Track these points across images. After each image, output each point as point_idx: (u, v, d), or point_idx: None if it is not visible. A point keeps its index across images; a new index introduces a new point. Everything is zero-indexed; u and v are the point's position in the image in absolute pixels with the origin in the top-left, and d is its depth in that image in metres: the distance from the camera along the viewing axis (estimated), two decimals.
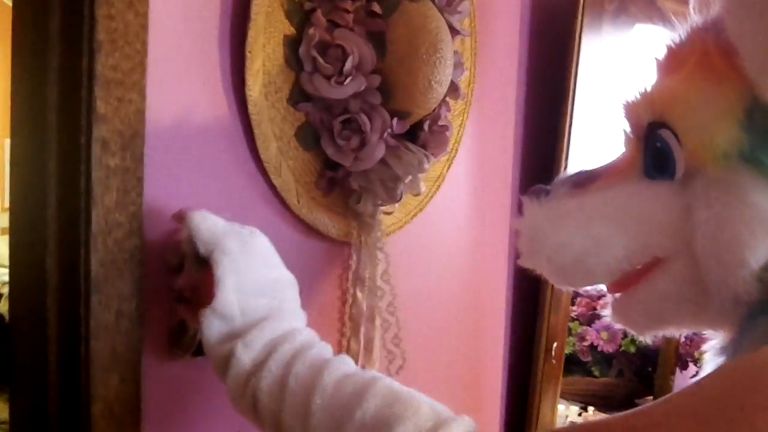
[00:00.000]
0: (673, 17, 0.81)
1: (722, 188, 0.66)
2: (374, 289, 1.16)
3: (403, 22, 1.04)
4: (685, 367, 2.21)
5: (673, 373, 2.22)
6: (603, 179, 0.77)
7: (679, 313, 0.75)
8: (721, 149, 0.66)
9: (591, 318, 2.19)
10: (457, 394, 1.47)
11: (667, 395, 0.67)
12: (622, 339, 2.15)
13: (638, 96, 0.75)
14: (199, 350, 0.91)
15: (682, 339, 2.18)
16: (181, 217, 0.85)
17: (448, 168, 1.30)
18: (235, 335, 0.81)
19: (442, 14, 1.10)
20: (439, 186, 1.28)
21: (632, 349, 2.15)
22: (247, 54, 0.94)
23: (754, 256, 0.64)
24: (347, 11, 1.02)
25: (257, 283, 0.83)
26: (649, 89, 0.75)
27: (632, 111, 0.76)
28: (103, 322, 0.83)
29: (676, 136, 0.69)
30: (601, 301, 2.29)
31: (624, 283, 0.77)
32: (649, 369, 2.27)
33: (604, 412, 2.10)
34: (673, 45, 0.76)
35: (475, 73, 1.30)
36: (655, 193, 0.72)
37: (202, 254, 0.82)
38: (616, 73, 1.56)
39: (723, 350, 0.73)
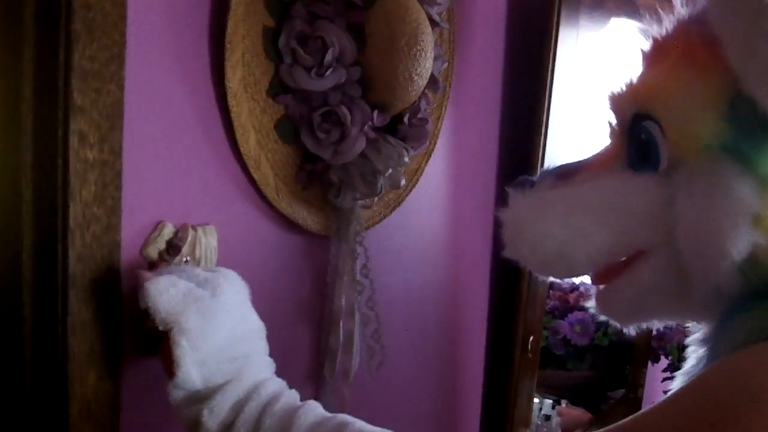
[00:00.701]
0: (651, 11, 0.81)
1: (705, 179, 0.66)
2: (353, 284, 1.15)
3: (383, 14, 1.03)
4: (657, 360, 2.23)
5: (646, 366, 2.24)
6: (587, 171, 0.77)
7: (662, 305, 0.76)
8: (705, 141, 0.66)
9: (564, 311, 2.20)
10: (435, 388, 1.46)
11: (639, 412, 0.68)
12: (595, 332, 2.17)
13: (623, 87, 0.75)
14: None
15: (654, 332, 2.20)
16: (138, 282, 0.82)
17: (427, 161, 1.29)
18: (199, 400, 0.80)
19: (422, 6, 1.09)
20: (417, 179, 1.28)
21: (605, 343, 2.16)
22: (227, 45, 0.92)
23: (736, 248, 0.64)
24: (327, 3, 1.01)
25: (221, 350, 0.81)
26: (634, 81, 0.75)
27: (617, 102, 0.76)
28: (81, 319, 0.81)
29: (660, 127, 0.69)
30: (574, 294, 2.30)
31: (607, 274, 0.77)
32: (621, 362, 2.29)
33: (578, 405, 2.11)
34: (658, 37, 0.76)
35: (453, 65, 1.29)
36: (638, 185, 0.72)
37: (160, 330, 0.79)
38: (593, 66, 1.57)
39: (703, 342, 0.73)
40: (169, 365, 0.78)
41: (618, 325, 0.82)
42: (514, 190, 0.80)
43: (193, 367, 0.78)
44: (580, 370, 2.21)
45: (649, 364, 2.26)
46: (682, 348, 2.13)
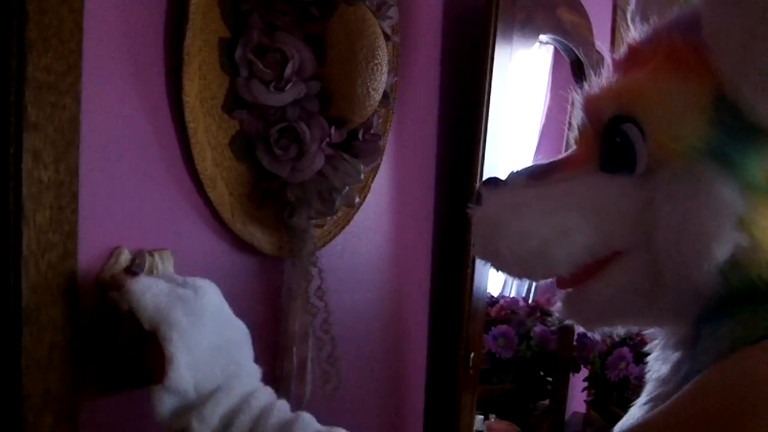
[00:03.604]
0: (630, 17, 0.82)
1: (687, 181, 0.65)
2: (307, 307, 1.10)
3: (341, 26, 0.99)
4: (577, 370, 2.26)
5: (568, 377, 2.26)
6: (559, 171, 0.76)
7: (633, 308, 0.75)
8: (690, 143, 0.66)
9: (487, 325, 2.21)
10: (380, 410, 1.42)
11: (640, 421, 0.66)
12: (519, 345, 2.18)
13: (600, 90, 0.74)
14: (135, 384, 0.83)
15: (575, 342, 2.23)
16: (117, 284, 0.77)
17: (373, 178, 1.25)
18: (188, 408, 0.75)
19: (376, 19, 1.06)
20: (365, 196, 1.24)
21: (528, 354, 2.18)
22: (185, 57, 0.86)
23: (720, 249, 0.64)
24: (285, 13, 0.96)
25: (210, 351, 0.77)
26: (611, 84, 0.74)
27: (594, 104, 0.75)
28: (36, 357, 0.73)
29: (640, 130, 0.69)
30: (495, 308, 2.31)
31: (576, 277, 0.75)
32: (544, 373, 2.30)
33: (504, 419, 2.11)
34: (634, 43, 0.76)
35: (398, 80, 1.26)
36: (614, 186, 0.71)
37: (146, 329, 0.75)
38: (526, 80, 1.57)
39: (678, 345, 0.73)
40: (156, 370, 0.73)
41: (582, 328, 0.81)
42: (486, 188, 0.77)
43: (185, 368, 0.73)
44: (504, 383, 2.22)
45: (571, 374, 2.29)
46: (604, 357, 2.16)
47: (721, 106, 0.65)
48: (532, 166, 0.79)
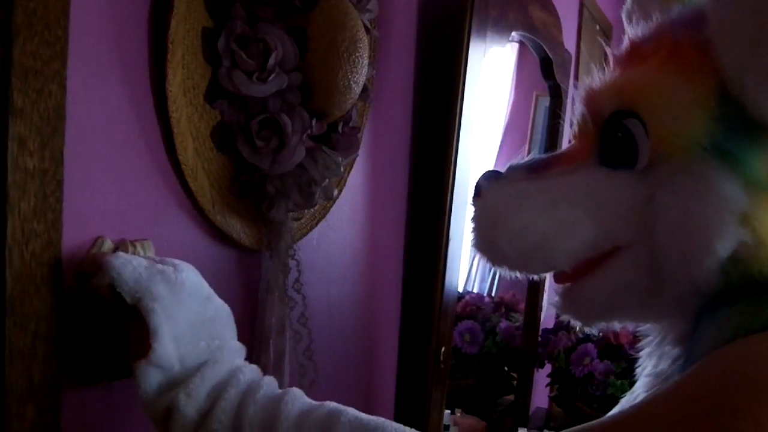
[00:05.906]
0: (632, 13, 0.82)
1: (689, 177, 0.66)
2: (284, 300, 1.10)
3: (323, 18, 0.99)
4: (542, 365, 2.28)
5: (532, 372, 2.28)
6: (559, 165, 0.76)
7: (632, 303, 0.75)
8: (693, 139, 0.66)
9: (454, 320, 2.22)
10: (350, 403, 1.42)
11: (641, 402, 0.67)
12: (484, 341, 2.20)
13: (601, 84, 0.74)
14: (115, 375, 0.82)
15: (540, 338, 2.25)
16: (96, 264, 0.76)
17: (349, 171, 1.26)
18: (174, 384, 0.74)
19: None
20: (341, 189, 1.24)
21: (494, 350, 2.19)
22: (169, 45, 0.85)
23: (722, 244, 0.64)
24: (268, 4, 0.96)
25: (193, 326, 0.76)
26: (613, 79, 0.74)
27: (595, 98, 0.75)
28: (19, 347, 0.72)
29: (643, 125, 0.69)
30: (460, 303, 2.33)
31: (577, 271, 0.75)
32: (506, 369, 2.32)
33: (469, 413, 2.13)
34: (636, 39, 0.76)
35: (374, 73, 1.27)
36: (615, 181, 0.72)
37: (128, 303, 0.74)
38: (499, 75, 1.58)
39: (677, 341, 0.73)
40: (140, 344, 0.72)
41: (580, 324, 0.81)
42: (486, 181, 0.77)
43: (169, 340, 0.73)
44: (468, 378, 2.23)
45: (536, 370, 2.31)
46: (568, 353, 2.18)
47: (724, 103, 0.66)
48: (531, 160, 0.78)
